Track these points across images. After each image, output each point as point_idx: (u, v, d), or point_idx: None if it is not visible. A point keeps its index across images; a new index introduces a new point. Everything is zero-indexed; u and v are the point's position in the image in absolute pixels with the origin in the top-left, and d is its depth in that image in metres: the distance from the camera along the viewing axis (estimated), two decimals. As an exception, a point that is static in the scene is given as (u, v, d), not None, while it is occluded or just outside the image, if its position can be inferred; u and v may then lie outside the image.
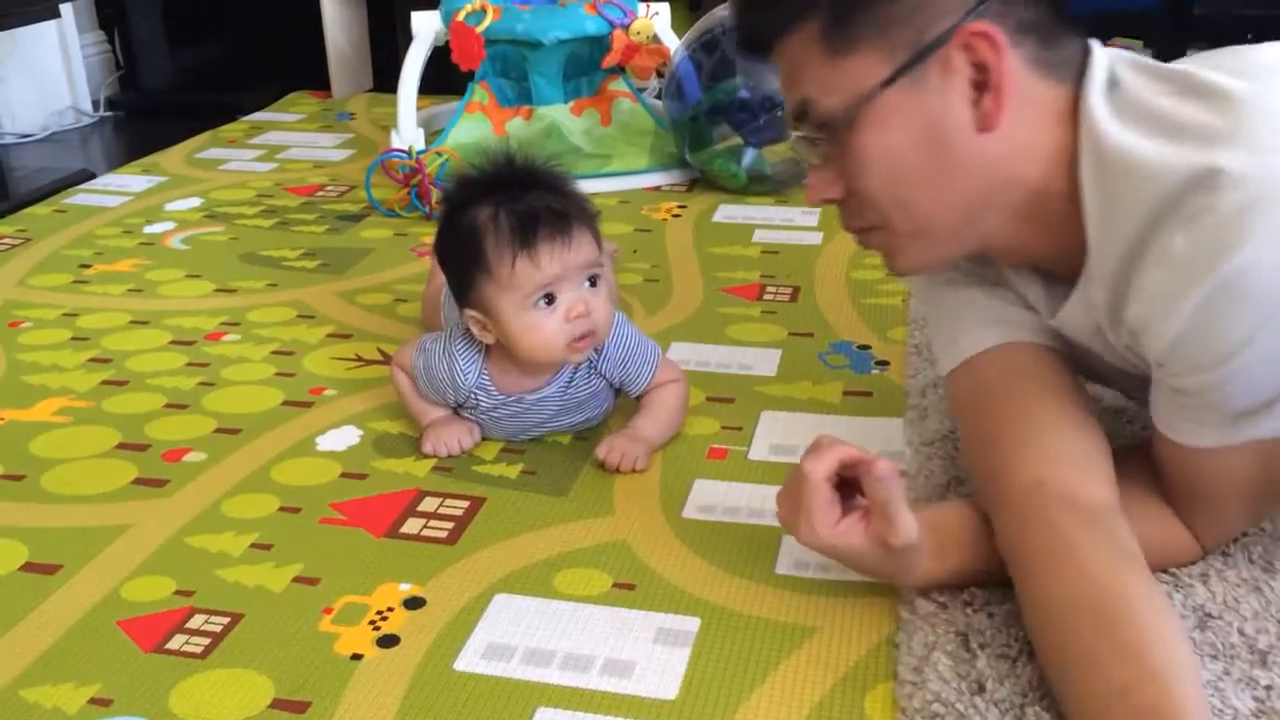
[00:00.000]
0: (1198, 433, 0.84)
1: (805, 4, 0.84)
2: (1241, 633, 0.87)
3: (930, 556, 0.89)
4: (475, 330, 1.15)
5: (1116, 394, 1.10)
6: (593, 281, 1.12)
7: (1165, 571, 0.93)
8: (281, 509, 1.12)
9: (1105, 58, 0.84)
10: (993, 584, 0.92)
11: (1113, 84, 0.82)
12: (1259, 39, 3.14)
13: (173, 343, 1.50)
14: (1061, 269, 0.88)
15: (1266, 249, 0.72)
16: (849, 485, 0.87)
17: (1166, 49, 2.42)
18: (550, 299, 1.10)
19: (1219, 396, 0.80)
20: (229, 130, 2.57)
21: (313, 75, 2.84)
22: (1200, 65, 0.82)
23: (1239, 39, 3.35)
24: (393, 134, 2.11)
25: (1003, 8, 0.81)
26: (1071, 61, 0.84)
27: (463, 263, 1.12)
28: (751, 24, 0.90)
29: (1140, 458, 0.92)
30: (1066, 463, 0.88)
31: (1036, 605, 0.83)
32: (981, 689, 0.83)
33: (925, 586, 0.92)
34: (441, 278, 1.21)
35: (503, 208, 1.09)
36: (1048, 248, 0.88)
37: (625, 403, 1.25)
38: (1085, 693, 0.76)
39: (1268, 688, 0.81)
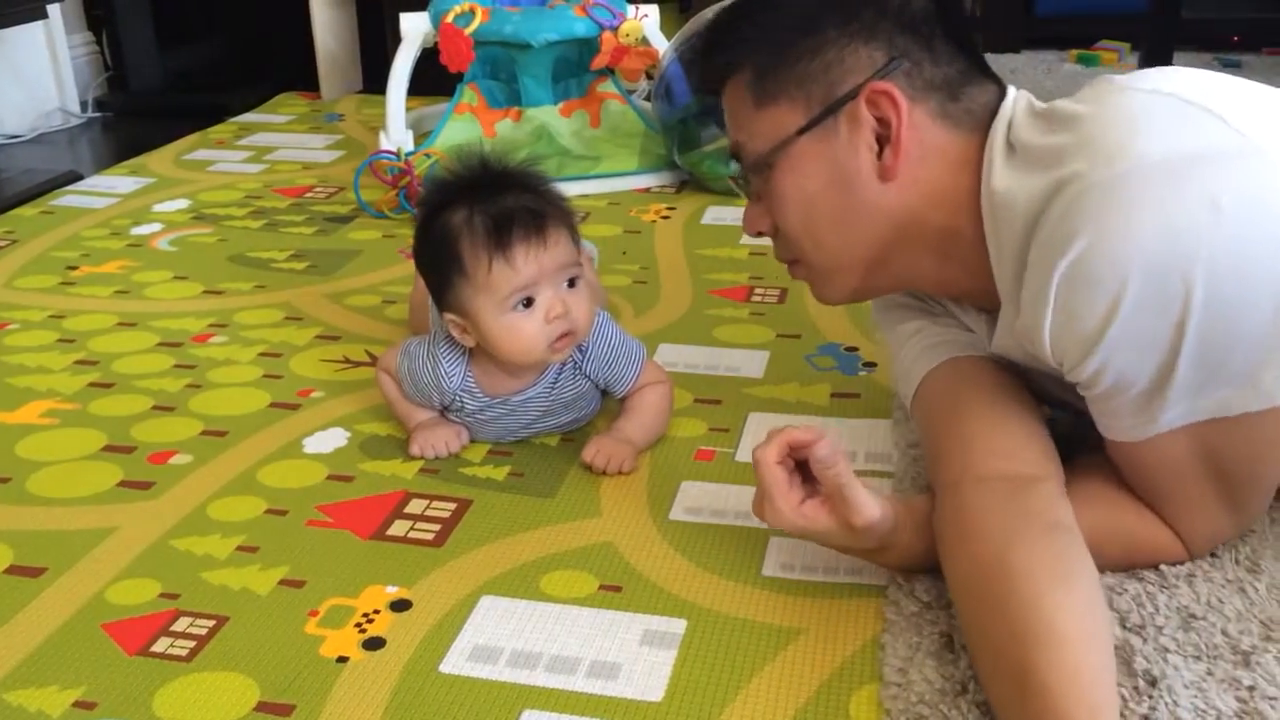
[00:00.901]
0: (1124, 426, 0.87)
1: (736, 59, 0.95)
2: (1225, 633, 0.87)
3: (908, 533, 0.92)
4: (455, 333, 1.15)
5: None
6: (571, 283, 1.12)
7: (1154, 571, 0.93)
8: (268, 511, 1.12)
9: (1011, 104, 0.91)
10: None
11: (1010, 128, 0.89)
12: (1244, 41, 3.16)
13: (160, 344, 1.49)
14: (992, 302, 0.93)
15: (1097, 235, 0.78)
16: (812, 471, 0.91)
17: (1154, 51, 2.43)
18: (529, 302, 1.10)
19: (1115, 382, 0.83)
20: (217, 131, 2.57)
21: (302, 76, 2.83)
22: (1075, 98, 0.88)
23: (1225, 41, 3.37)
24: (381, 135, 2.11)
25: (911, 67, 0.90)
26: (980, 111, 0.91)
27: (440, 267, 1.12)
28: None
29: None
30: (990, 449, 0.92)
31: (950, 588, 0.87)
32: (964, 690, 0.83)
33: (908, 566, 0.95)
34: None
35: (477, 210, 1.09)
36: (970, 283, 0.94)
37: (611, 405, 1.25)
38: (978, 663, 0.81)
39: (1250, 688, 0.81)
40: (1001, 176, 0.87)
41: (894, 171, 0.90)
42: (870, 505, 0.88)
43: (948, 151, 0.91)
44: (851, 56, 0.91)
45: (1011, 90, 0.93)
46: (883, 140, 0.90)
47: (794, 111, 0.92)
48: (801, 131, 0.92)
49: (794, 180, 0.93)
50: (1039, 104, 0.91)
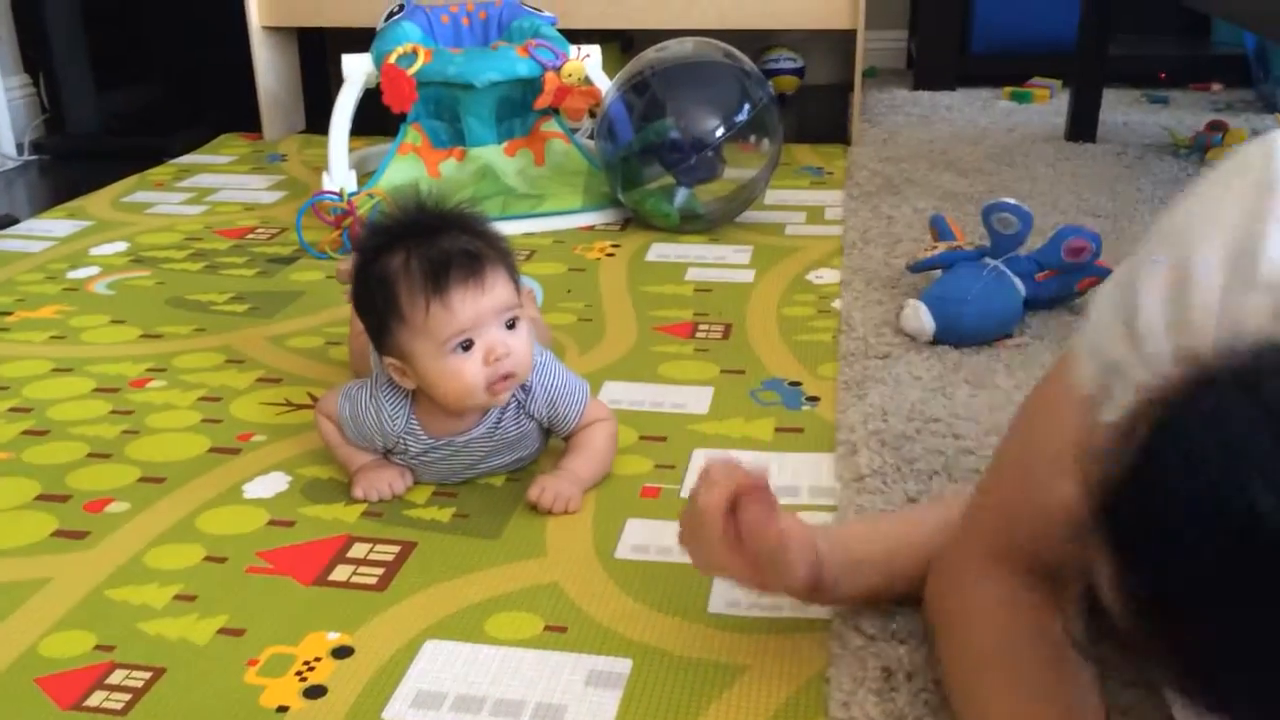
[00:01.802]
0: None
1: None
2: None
3: (842, 571, 0.91)
4: (395, 377, 1.14)
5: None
6: (511, 324, 1.12)
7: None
8: (207, 559, 1.10)
9: None
10: (909, 605, 0.94)
11: None
12: (1171, 77, 3.25)
13: (96, 390, 1.47)
14: None
15: None
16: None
17: (1084, 89, 2.50)
18: (468, 345, 1.10)
19: None
20: (157, 173, 2.54)
21: (244, 117, 2.82)
22: None
23: (1152, 78, 3.48)
24: (324, 176, 2.10)
25: None
26: None
27: (378, 311, 1.11)
28: None
29: None
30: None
31: (952, 663, 0.85)
32: (907, 724, 0.83)
33: (841, 604, 0.95)
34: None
35: (414, 253, 1.09)
36: None
37: (556, 445, 1.25)
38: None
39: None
40: None
41: None
42: (794, 572, 0.86)
43: None
44: None
45: None
46: None
47: None
48: None
49: None
50: None
